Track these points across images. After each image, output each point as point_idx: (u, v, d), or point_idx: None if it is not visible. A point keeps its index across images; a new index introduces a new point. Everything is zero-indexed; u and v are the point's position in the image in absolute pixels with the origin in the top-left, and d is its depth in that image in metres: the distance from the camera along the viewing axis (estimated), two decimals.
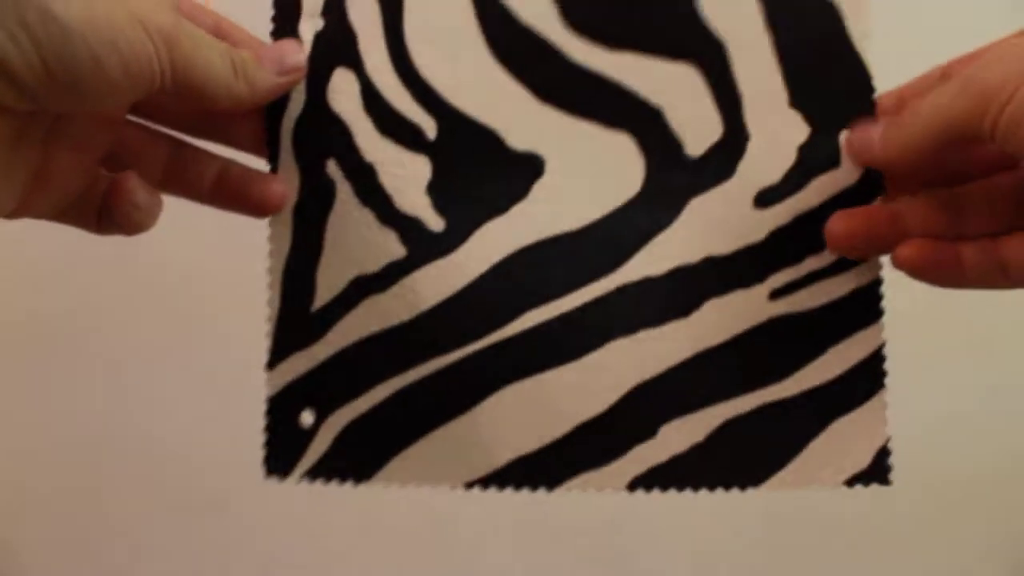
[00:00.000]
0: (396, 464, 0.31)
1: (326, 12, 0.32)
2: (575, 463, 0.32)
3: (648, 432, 0.32)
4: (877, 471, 0.32)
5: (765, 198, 0.33)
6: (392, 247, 0.32)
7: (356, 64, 0.32)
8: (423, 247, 0.32)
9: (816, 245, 0.32)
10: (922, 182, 0.32)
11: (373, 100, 0.32)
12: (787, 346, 0.32)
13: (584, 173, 0.32)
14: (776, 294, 0.32)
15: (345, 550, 0.65)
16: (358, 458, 0.31)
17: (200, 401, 0.63)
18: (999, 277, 0.30)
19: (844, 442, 0.32)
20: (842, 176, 0.33)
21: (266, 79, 0.30)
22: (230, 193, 0.32)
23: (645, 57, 0.33)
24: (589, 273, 0.32)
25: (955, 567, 0.66)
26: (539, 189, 0.32)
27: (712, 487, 0.32)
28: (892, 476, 0.32)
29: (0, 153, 0.24)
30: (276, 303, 0.32)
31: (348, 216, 0.32)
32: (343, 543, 0.65)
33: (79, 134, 0.28)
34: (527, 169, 0.32)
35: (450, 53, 0.32)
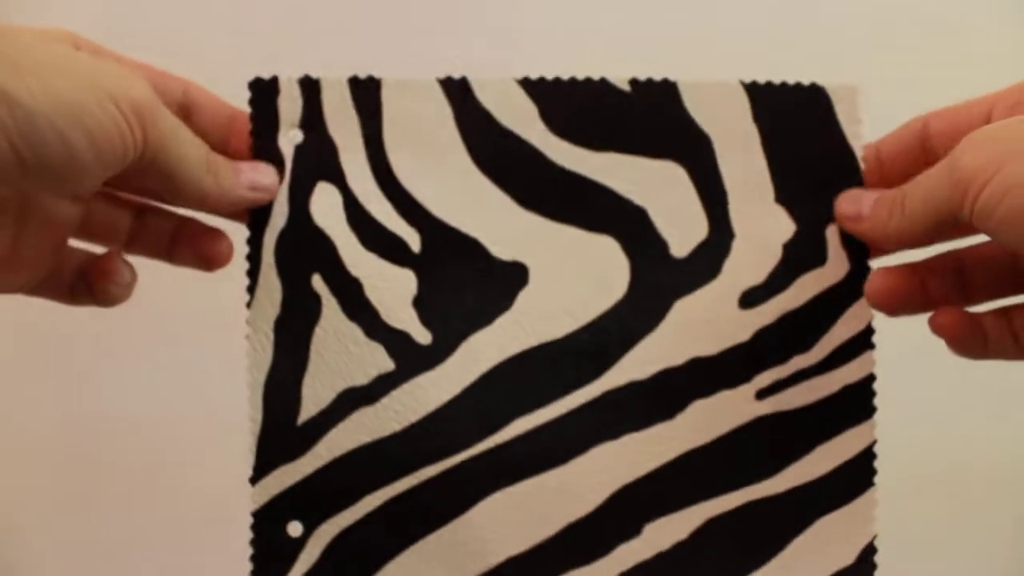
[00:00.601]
0: (387, 572, 0.32)
1: (305, 124, 0.32)
2: (563, 562, 0.32)
3: (633, 531, 0.32)
4: (862, 569, 0.33)
5: (750, 298, 0.33)
6: (380, 360, 0.32)
7: (338, 177, 0.32)
8: (411, 360, 0.32)
9: (803, 344, 0.33)
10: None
11: (356, 213, 0.32)
12: (774, 445, 0.33)
13: (569, 279, 0.32)
14: (762, 394, 0.33)
15: None
16: (348, 569, 0.32)
17: (201, 402, 0.65)
18: (1013, 349, 0.30)
19: (829, 539, 0.33)
20: (828, 273, 0.33)
21: (235, 188, 0.30)
22: (184, 250, 0.32)
23: (629, 156, 0.32)
24: (575, 380, 0.32)
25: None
26: (524, 298, 0.32)
27: None
28: None
29: None
30: (259, 417, 0.32)
31: (335, 330, 0.32)
32: None
33: (49, 212, 0.29)
34: (512, 278, 0.32)
35: (431, 161, 0.32)
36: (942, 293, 0.31)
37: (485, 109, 0.32)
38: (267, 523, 0.32)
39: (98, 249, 0.32)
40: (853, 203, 0.32)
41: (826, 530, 0.33)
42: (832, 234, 0.32)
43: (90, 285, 0.31)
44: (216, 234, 0.32)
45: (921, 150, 0.31)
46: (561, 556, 0.32)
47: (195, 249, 0.32)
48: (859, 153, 0.32)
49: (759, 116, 0.32)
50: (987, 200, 0.25)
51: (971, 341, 0.30)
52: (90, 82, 0.24)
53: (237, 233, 0.33)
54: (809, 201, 0.32)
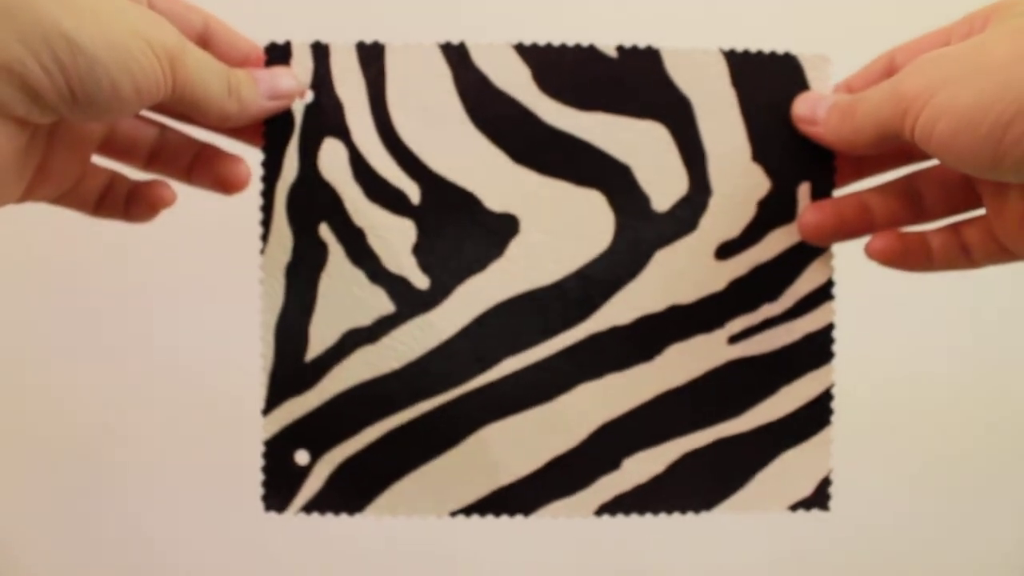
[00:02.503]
0: (386, 497, 0.35)
1: (315, 85, 0.34)
2: (548, 493, 0.36)
3: (613, 465, 0.35)
4: (819, 499, 0.36)
5: (725, 250, 0.35)
6: (382, 303, 0.35)
7: (344, 134, 0.34)
8: (410, 303, 0.35)
9: (771, 294, 0.35)
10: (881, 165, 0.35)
11: (360, 167, 0.35)
12: (742, 386, 0.36)
13: (557, 230, 0.35)
14: (734, 339, 0.35)
15: None
16: (351, 492, 0.35)
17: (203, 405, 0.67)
18: (963, 260, 0.32)
19: (790, 472, 0.36)
20: (796, 229, 0.35)
21: (256, 101, 0.32)
22: (203, 172, 0.35)
23: (615, 116, 0.35)
24: (561, 324, 0.35)
25: None
26: (515, 247, 0.35)
27: (669, 511, 0.36)
28: None
29: (16, 155, 0.27)
30: (271, 354, 0.35)
31: (340, 275, 0.35)
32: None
33: (78, 133, 0.31)
34: (504, 229, 0.35)
35: (431, 120, 0.34)
36: (894, 215, 0.33)
37: (481, 72, 0.34)
38: (277, 451, 0.35)
39: (119, 166, 0.35)
40: (809, 106, 0.34)
41: (787, 464, 0.36)
42: (803, 193, 0.35)
43: (137, 202, 0.34)
44: (234, 158, 0.35)
45: None
46: (546, 488, 0.35)
47: (214, 171, 0.35)
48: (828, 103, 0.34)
49: (737, 81, 0.35)
50: (924, 124, 0.27)
51: (913, 258, 0.33)
52: (133, 28, 0.26)
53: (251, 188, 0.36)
54: (784, 160, 0.35)
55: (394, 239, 0.35)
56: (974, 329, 0.69)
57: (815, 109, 0.34)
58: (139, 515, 0.68)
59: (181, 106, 0.30)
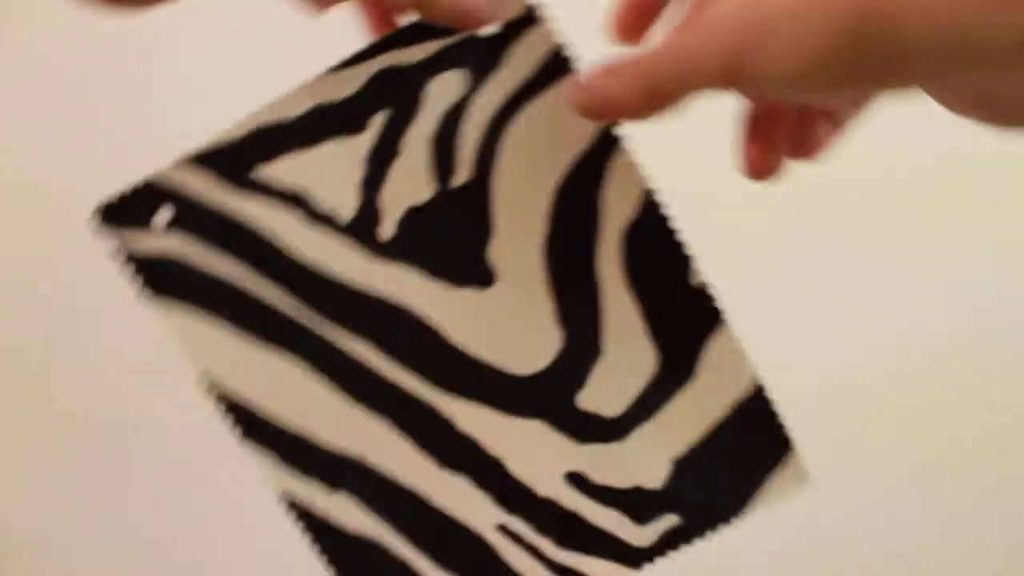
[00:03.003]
0: (184, 314, 0.31)
1: None
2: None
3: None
4: None
5: (575, 480, 0.32)
6: (346, 208, 0.31)
7: None
8: (361, 233, 0.31)
9: (561, 540, 0.33)
10: None
11: None
12: None
13: (508, 321, 0.32)
14: None
15: None
16: (169, 280, 0.31)
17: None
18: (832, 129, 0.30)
19: None
20: (632, 532, 0.33)
21: None
22: None
23: None
24: (428, 373, 0.32)
25: None
26: (468, 294, 0.32)
27: None
28: None
29: None
30: (236, 136, 0.30)
31: (345, 156, 0.31)
32: None
33: None
34: (480, 276, 0.32)
35: None
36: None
37: None
38: (154, 188, 0.30)
39: None
40: (595, 87, 0.27)
41: None
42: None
43: None
44: None
45: None
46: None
47: None
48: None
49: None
50: (756, 85, 0.25)
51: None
52: None
53: None
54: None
55: (410, 184, 0.31)
56: (975, 327, 0.69)
57: (604, 94, 0.27)
58: (147, 512, 0.67)
59: None
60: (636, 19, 0.30)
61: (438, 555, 0.32)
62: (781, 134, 0.30)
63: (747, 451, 0.32)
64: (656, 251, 0.31)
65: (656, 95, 0.26)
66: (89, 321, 0.66)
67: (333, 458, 0.32)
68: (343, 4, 0.29)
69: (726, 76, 0.24)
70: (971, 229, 0.67)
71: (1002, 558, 0.70)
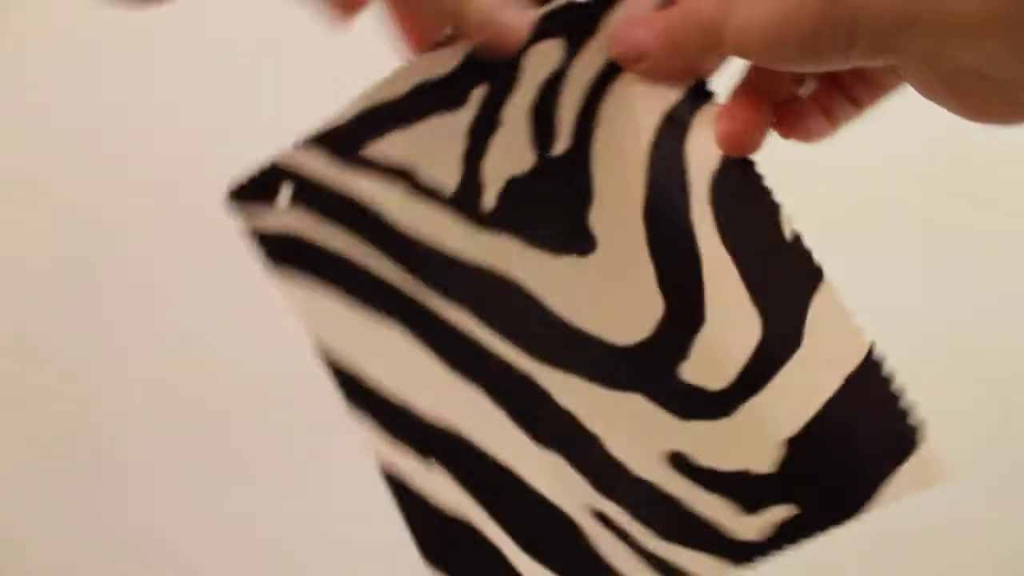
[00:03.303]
0: (304, 287, 0.32)
1: None
2: None
3: None
4: None
5: (677, 460, 0.31)
6: (449, 181, 0.32)
7: None
8: (464, 204, 0.32)
9: (658, 529, 0.31)
10: None
11: None
12: None
13: (609, 288, 0.31)
14: None
15: None
16: (290, 253, 0.32)
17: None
18: (852, 109, 0.30)
19: None
20: (740, 522, 0.30)
21: (476, 18, 0.29)
22: None
23: None
24: (527, 344, 0.31)
25: None
26: (569, 261, 0.32)
27: None
28: None
29: None
30: (345, 118, 0.32)
31: (447, 131, 0.32)
32: None
33: None
34: (581, 243, 0.32)
35: None
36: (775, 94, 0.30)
37: None
38: (276, 170, 0.32)
39: None
40: (628, 42, 0.30)
41: None
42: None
43: None
44: None
45: None
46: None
47: None
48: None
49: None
50: (736, 48, 0.26)
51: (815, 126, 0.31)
52: None
53: None
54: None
55: (511, 155, 0.32)
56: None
57: (635, 45, 0.30)
58: (146, 509, 0.67)
59: None
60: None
61: (526, 538, 0.31)
62: (770, 105, 0.30)
63: (866, 438, 0.29)
64: (745, 201, 0.30)
65: (678, 48, 0.28)
66: (88, 320, 0.66)
67: (430, 428, 0.32)
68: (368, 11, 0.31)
69: (713, 38, 0.26)
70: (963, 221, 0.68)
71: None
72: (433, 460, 0.31)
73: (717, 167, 0.30)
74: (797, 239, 0.30)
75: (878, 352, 0.29)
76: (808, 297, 0.29)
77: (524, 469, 0.31)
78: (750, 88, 0.30)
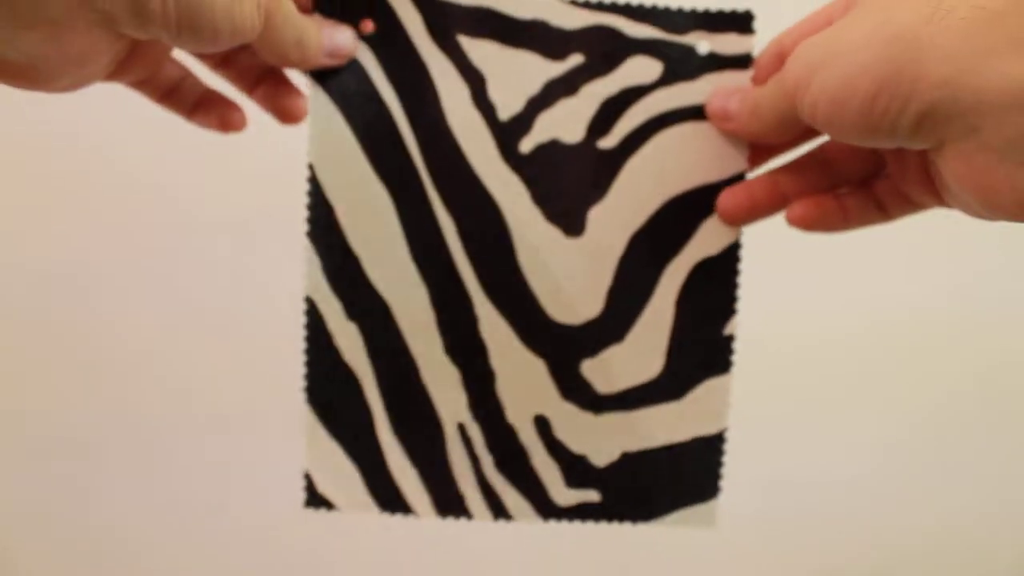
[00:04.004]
0: (332, 118, 0.34)
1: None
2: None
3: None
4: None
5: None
6: (514, 102, 0.35)
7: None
8: (507, 138, 0.35)
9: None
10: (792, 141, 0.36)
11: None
12: None
13: (572, 272, 0.36)
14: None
15: None
16: (342, 81, 0.34)
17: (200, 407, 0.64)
18: (877, 215, 0.35)
19: None
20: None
21: (316, 56, 0.33)
22: (265, 93, 0.36)
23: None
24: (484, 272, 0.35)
25: None
26: (556, 233, 0.35)
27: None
28: None
29: (109, 55, 0.28)
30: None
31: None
32: None
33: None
34: (574, 224, 0.36)
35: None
36: (807, 187, 0.35)
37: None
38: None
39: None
40: (721, 103, 0.35)
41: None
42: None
43: (199, 109, 0.36)
44: (295, 92, 0.36)
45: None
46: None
47: (272, 101, 0.36)
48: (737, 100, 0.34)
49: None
50: (809, 108, 0.29)
51: (830, 220, 0.35)
52: None
53: None
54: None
55: (566, 122, 0.35)
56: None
57: (727, 105, 0.35)
58: (135, 513, 0.65)
59: (254, 46, 0.30)
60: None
61: (398, 419, 0.35)
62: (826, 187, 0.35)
63: (684, 476, 0.36)
64: (713, 291, 0.36)
65: (756, 115, 0.33)
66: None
67: (366, 294, 0.35)
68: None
69: (794, 99, 0.29)
70: None
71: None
72: (354, 319, 0.35)
73: (710, 255, 0.36)
74: (730, 339, 0.36)
75: (724, 433, 0.37)
76: (707, 376, 0.36)
77: (424, 366, 0.35)
78: (814, 170, 0.35)
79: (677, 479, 0.36)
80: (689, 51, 0.35)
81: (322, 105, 0.34)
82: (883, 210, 0.35)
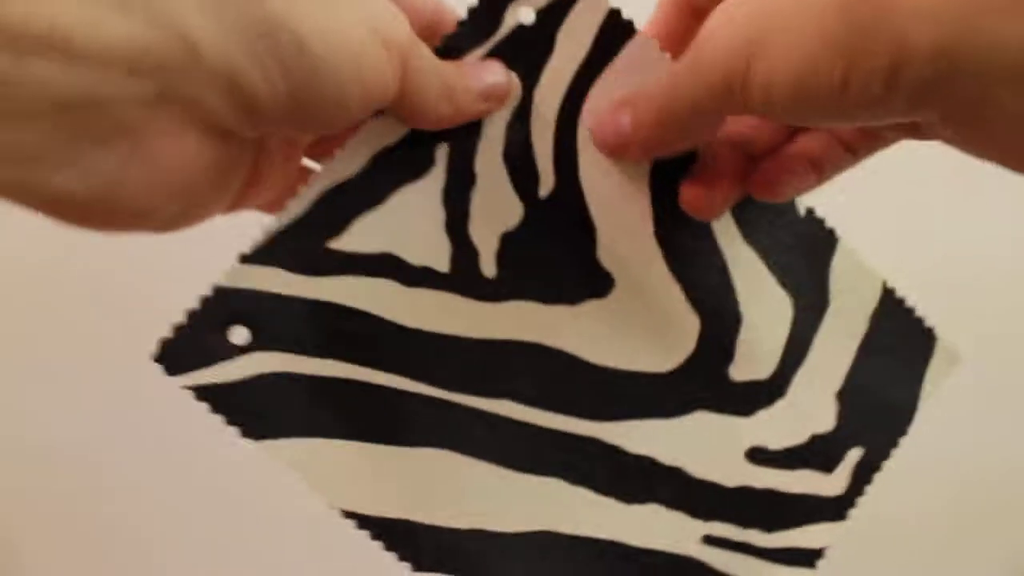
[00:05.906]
0: (296, 446, 0.27)
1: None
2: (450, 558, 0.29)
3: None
4: None
5: (756, 455, 0.32)
6: (440, 257, 0.28)
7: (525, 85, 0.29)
8: (464, 279, 0.29)
9: (767, 524, 0.32)
10: None
11: (519, 126, 0.29)
12: None
13: (640, 320, 0.30)
14: (709, 540, 0.32)
15: None
16: (264, 413, 0.27)
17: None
18: (849, 161, 0.29)
19: None
20: (825, 483, 0.32)
21: (471, 105, 0.27)
22: None
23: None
24: (581, 408, 0.30)
25: None
26: (591, 307, 0.30)
27: None
28: None
29: (217, 168, 0.22)
30: (297, 213, 0.26)
31: (421, 201, 0.28)
32: None
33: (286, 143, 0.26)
34: (597, 284, 0.30)
35: None
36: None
37: None
38: (218, 309, 0.26)
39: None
40: (610, 130, 0.27)
41: None
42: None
43: None
44: None
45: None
46: (451, 551, 0.29)
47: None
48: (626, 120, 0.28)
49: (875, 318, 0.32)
50: (760, 98, 0.22)
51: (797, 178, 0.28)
52: (365, 20, 0.21)
53: None
54: (861, 414, 0.33)
55: (495, 213, 0.29)
56: None
57: (618, 130, 0.27)
58: (140, 518, 0.65)
59: (398, 115, 0.25)
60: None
61: None
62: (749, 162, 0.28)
63: (897, 357, 0.32)
64: None
65: (672, 122, 0.25)
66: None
67: (521, 541, 0.29)
68: None
69: (729, 94, 0.23)
70: None
71: None
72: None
73: None
74: (810, 212, 0.30)
75: (891, 287, 0.32)
76: (827, 263, 0.31)
77: (628, 535, 0.30)
78: (726, 146, 0.28)
79: (895, 363, 0.32)
80: (519, 35, 0.27)
81: (290, 456, 0.27)
82: (852, 151, 0.28)
